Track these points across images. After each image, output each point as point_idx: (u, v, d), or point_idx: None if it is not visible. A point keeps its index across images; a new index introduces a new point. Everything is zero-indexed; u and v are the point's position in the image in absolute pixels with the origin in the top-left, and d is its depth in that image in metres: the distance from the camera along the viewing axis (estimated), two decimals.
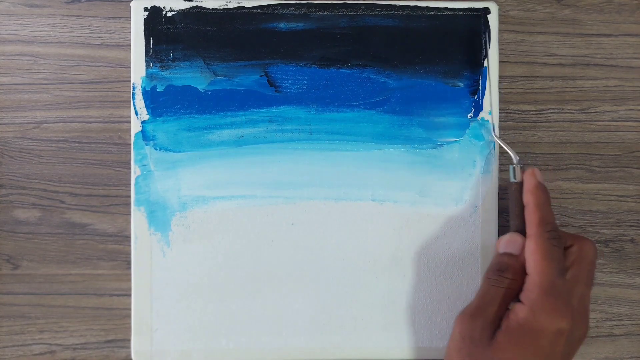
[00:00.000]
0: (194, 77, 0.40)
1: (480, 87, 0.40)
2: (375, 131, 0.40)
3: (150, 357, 0.39)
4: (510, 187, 0.37)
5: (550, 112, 0.43)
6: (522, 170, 0.37)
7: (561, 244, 0.35)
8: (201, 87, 0.40)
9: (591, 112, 0.43)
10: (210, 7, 0.39)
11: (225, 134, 0.40)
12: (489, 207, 0.40)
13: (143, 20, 0.39)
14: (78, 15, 0.42)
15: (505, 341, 0.33)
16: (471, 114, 0.40)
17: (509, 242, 0.36)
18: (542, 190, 0.36)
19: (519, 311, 0.33)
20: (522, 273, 0.35)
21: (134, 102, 0.39)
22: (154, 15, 0.39)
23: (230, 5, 0.39)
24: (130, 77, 0.40)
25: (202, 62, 0.40)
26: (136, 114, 0.39)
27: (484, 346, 0.33)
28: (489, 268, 0.36)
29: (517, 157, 0.38)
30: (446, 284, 0.40)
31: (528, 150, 0.43)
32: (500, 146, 0.40)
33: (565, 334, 0.33)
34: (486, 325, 0.34)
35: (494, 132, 0.39)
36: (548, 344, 0.33)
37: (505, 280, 0.35)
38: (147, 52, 0.39)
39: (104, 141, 0.42)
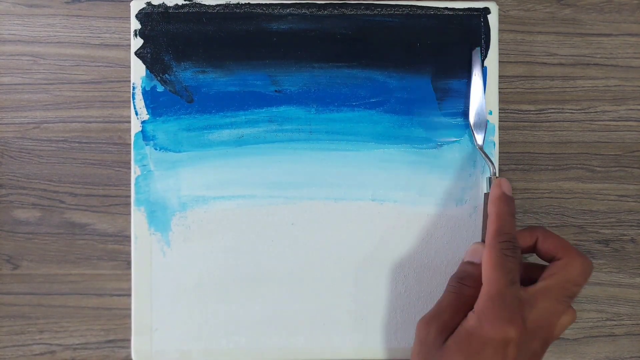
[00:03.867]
0: (193, 77, 0.40)
1: None
2: (375, 131, 0.40)
3: (150, 357, 0.39)
4: (485, 198, 0.38)
5: (550, 112, 0.43)
6: None
7: (517, 254, 0.34)
8: (201, 87, 0.40)
9: (591, 112, 0.43)
10: (209, 4, 0.39)
11: (225, 134, 0.40)
12: None
13: (141, 20, 0.39)
14: (78, 15, 0.42)
15: (453, 347, 0.33)
16: None
17: (473, 251, 0.37)
18: (504, 201, 0.36)
19: (470, 319, 0.34)
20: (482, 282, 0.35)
21: (134, 102, 0.39)
22: (152, 15, 0.39)
23: (232, 1, 0.39)
24: (130, 77, 0.40)
25: (202, 62, 0.40)
26: (136, 114, 0.39)
27: (436, 350, 0.33)
28: (452, 276, 0.37)
29: (495, 169, 0.38)
30: (446, 284, 0.40)
31: (528, 150, 0.43)
32: (498, 146, 0.40)
33: (512, 343, 0.32)
34: (440, 330, 0.34)
35: (476, 141, 0.39)
36: (493, 353, 0.32)
37: (464, 287, 0.35)
38: None
39: (104, 141, 0.42)
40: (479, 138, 0.39)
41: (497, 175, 0.38)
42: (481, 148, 0.39)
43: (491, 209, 0.36)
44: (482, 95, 0.39)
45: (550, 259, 0.36)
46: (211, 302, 0.39)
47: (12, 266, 0.42)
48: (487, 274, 0.34)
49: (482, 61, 0.39)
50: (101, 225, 0.42)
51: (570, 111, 0.43)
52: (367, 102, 0.40)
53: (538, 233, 0.36)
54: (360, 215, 0.40)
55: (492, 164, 0.38)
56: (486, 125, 0.39)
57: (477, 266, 0.36)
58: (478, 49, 0.40)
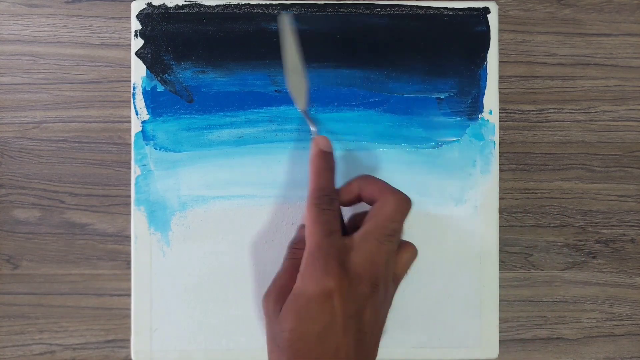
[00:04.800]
0: (193, 77, 0.40)
1: (480, 87, 0.40)
2: (375, 131, 0.40)
3: (150, 357, 0.39)
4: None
5: (550, 112, 0.43)
6: None
7: (333, 206, 0.34)
8: (201, 87, 0.40)
9: (591, 112, 0.43)
10: (209, 4, 0.39)
11: (225, 133, 0.40)
12: (489, 207, 0.40)
13: (142, 20, 0.39)
14: (78, 15, 0.42)
15: (286, 311, 0.32)
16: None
17: (304, 214, 0.36)
18: (321, 157, 0.35)
19: (297, 280, 0.33)
20: None
21: (134, 102, 0.39)
22: (153, 15, 0.39)
23: (232, 1, 0.39)
24: (130, 77, 0.40)
25: (202, 62, 0.40)
26: (136, 113, 0.39)
27: (275, 319, 0.33)
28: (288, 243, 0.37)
29: (316, 130, 0.38)
30: (446, 284, 0.40)
31: (528, 150, 0.43)
32: (498, 146, 0.40)
33: (336, 293, 0.31)
34: (276, 300, 0.33)
35: (298, 104, 0.38)
36: (319, 307, 0.32)
37: (297, 251, 0.35)
38: None
39: (104, 141, 0.42)
40: (302, 101, 0.38)
41: (318, 134, 0.37)
42: (304, 110, 0.38)
43: (310, 167, 0.35)
44: (294, 55, 0.38)
45: (373, 204, 0.35)
46: (211, 301, 0.39)
47: (12, 266, 0.42)
48: (307, 231, 0.33)
49: (293, 25, 0.38)
50: (101, 225, 0.42)
51: (570, 111, 0.43)
52: (366, 102, 0.40)
53: (358, 182, 0.36)
54: None
55: (314, 125, 0.38)
56: (306, 85, 0.38)
57: None
58: (290, 13, 0.39)
